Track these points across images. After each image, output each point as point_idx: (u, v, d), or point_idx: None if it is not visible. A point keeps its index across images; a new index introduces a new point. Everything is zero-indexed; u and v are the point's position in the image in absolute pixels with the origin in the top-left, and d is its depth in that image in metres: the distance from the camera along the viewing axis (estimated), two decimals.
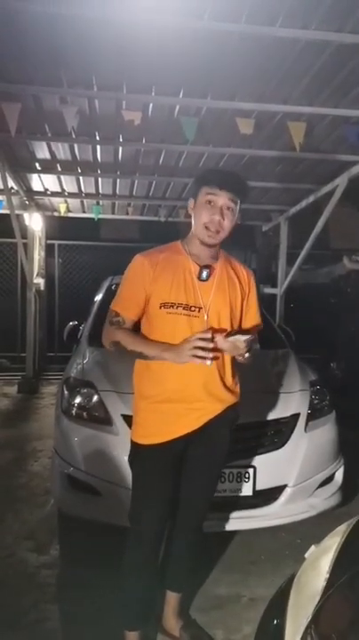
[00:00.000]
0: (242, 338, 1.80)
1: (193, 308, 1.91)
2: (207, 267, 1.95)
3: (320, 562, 1.30)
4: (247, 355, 1.89)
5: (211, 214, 1.89)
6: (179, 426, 1.93)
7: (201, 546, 2.23)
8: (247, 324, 2.10)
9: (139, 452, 1.99)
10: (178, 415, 1.93)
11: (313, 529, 2.79)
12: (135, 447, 2.01)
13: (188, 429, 1.94)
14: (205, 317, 1.91)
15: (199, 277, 1.93)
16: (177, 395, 1.92)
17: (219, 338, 1.82)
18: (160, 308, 1.91)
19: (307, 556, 1.43)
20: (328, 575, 1.22)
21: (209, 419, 1.96)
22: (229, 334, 1.81)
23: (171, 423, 1.93)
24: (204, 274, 1.93)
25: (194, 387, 1.92)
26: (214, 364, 1.88)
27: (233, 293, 2.02)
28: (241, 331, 1.91)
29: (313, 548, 1.43)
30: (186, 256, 1.98)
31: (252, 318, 2.12)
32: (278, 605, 1.31)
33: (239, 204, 1.96)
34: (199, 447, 2.00)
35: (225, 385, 2.00)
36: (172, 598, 2.20)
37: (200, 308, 1.92)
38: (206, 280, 1.94)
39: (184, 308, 1.90)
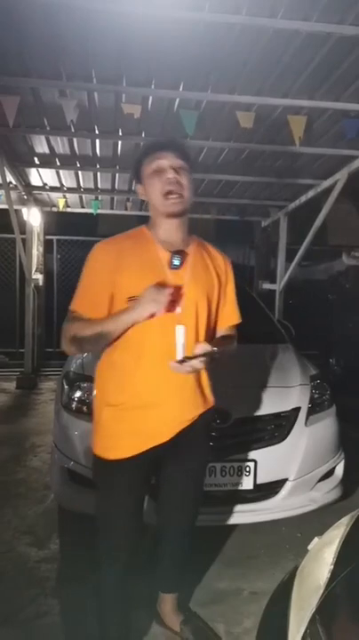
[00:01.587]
0: (198, 360, 1.59)
1: None
2: (178, 252, 1.71)
3: (323, 553, 1.29)
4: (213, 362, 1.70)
5: (165, 176, 1.69)
6: (150, 436, 1.73)
7: (201, 540, 2.21)
8: (224, 321, 1.92)
9: (104, 468, 1.77)
10: (148, 424, 1.72)
11: (313, 523, 2.80)
12: (99, 461, 1.77)
13: (161, 440, 1.74)
14: (178, 310, 1.69)
15: (170, 265, 1.70)
16: (147, 400, 1.71)
17: (174, 365, 1.60)
18: (128, 302, 1.68)
19: (310, 547, 1.42)
20: (332, 567, 1.21)
21: (183, 427, 1.76)
22: (183, 361, 1.58)
23: (141, 433, 1.72)
24: (176, 261, 1.70)
25: (166, 390, 1.72)
26: None
27: (209, 282, 1.81)
28: (196, 356, 1.62)
29: (316, 539, 1.43)
30: (153, 242, 1.77)
31: (230, 314, 1.93)
32: (281, 597, 1.30)
33: (189, 167, 1.74)
34: (176, 459, 1.84)
35: (201, 388, 1.82)
36: (168, 598, 2.14)
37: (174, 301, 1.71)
38: (178, 268, 1.71)
39: None
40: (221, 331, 1.93)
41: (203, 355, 1.60)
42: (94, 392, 1.85)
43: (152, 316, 1.61)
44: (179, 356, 1.64)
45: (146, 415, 1.72)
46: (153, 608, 2.20)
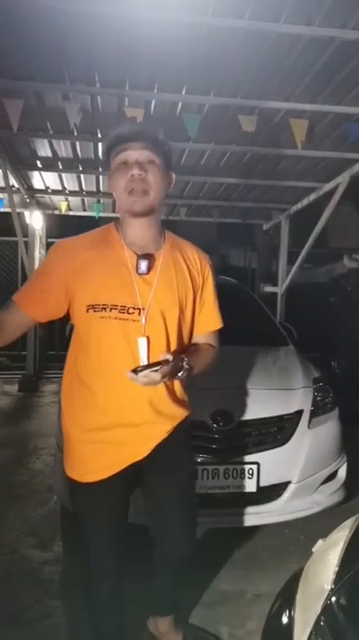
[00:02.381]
0: (153, 371, 1.44)
1: (131, 310, 1.55)
2: (147, 256, 1.58)
3: (328, 555, 1.30)
4: (181, 374, 1.54)
5: (128, 172, 1.52)
6: (124, 455, 1.62)
7: (203, 542, 2.20)
8: (201, 327, 1.76)
9: (78, 490, 1.67)
10: (120, 443, 1.61)
11: (316, 525, 2.80)
12: (75, 485, 1.67)
13: (135, 458, 1.63)
14: (143, 321, 1.55)
15: (137, 270, 1.56)
16: (118, 418, 1.59)
17: (130, 374, 1.43)
18: (87, 311, 1.55)
19: (314, 550, 1.42)
20: (337, 569, 1.22)
21: (158, 442, 1.65)
22: (136, 370, 1.43)
23: (114, 454, 1.61)
24: (143, 266, 1.55)
25: (137, 406, 1.59)
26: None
27: (182, 287, 1.65)
28: (149, 364, 1.48)
29: (320, 541, 1.43)
30: (120, 243, 1.60)
31: (208, 319, 1.76)
32: (286, 598, 1.31)
33: (162, 159, 1.58)
34: (159, 472, 1.72)
35: (175, 398, 1.68)
36: (164, 621, 2.02)
37: (139, 310, 1.56)
38: (146, 273, 1.57)
39: (119, 311, 1.54)
40: (199, 337, 1.78)
41: (157, 364, 1.45)
42: (61, 412, 1.73)
43: None
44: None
45: (120, 434, 1.60)
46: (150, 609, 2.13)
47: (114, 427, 1.60)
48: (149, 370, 1.43)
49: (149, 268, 1.58)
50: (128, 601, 1.85)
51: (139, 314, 1.55)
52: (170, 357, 1.46)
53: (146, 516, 1.86)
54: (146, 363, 1.52)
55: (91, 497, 1.65)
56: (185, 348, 1.70)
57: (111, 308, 1.54)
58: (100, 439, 1.60)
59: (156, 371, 1.43)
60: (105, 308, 1.53)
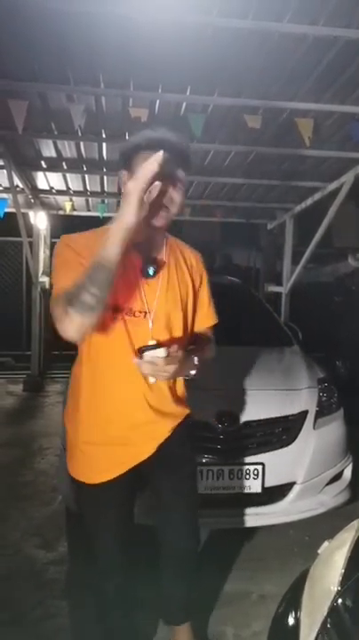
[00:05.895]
0: (159, 354, 1.40)
1: (137, 314, 1.54)
2: (153, 260, 1.57)
3: (334, 557, 1.29)
4: (193, 372, 1.59)
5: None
6: (129, 456, 1.63)
7: (208, 542, 2.20)
8: (199, 324, 1.78)
9: (84, 491, 1.69)
10: (124, 444, 1.62)
11: (321, 526, 2.79)
12: (79, 484, 1.68)
13: (139, 459, 1.64)
14: (150, 324, 1.55)
15: (144, 274, 1.55)
16: (120, 419, 1.61)
17: (136, 360, 1.43)
18: None
19: (320, 551, 1.42)
20: (343, 570, 1.21)
21: (161, 442, 1.66)
22: (142, 350, 1.41)
23: (119, 455, 1.62)
24: (151, 270, 1.54)
25: (136, 405, 1.60)
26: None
27: (184, 290, 1.67)
28: (156, 345, 1.46)
29: (326, 543, 1.43)
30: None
31: (205, 316, 1.79)
32: (292, 600, 1.30)
33: (184, 173, 1.56)
34: (163, 470, 1.74)
35: (175, 396, 1.69)
36: (182, 629, 1.96)
37: (145, 313, 1.55)
38: (152, 277, 1.56)
39: (127, 314, 1.53)
40: (197, 333, 1.81)
41: (160, 345, 1.44)
42: (66, 412, 1.75)
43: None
44: (152, 379, 1.54)
45: (120, 437, 1.62)
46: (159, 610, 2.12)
47: (115, 429, 1.61)
48: (154, 352, 1.40)
49: (156, 272, 1.57)
50: (140, 603, 1.87)
51: (146, 317, 1.55)
52: (175, 349, 1.45)
53: (153, 515, 1.88)
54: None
55: (98, 498, 1.67)
56: (186, 346, 1.70)
57: (118, 311, 1.51)
58: (104, 441, 1.62)
59: (163, 358, 1.41)
60: (112, 310, 1.49)
